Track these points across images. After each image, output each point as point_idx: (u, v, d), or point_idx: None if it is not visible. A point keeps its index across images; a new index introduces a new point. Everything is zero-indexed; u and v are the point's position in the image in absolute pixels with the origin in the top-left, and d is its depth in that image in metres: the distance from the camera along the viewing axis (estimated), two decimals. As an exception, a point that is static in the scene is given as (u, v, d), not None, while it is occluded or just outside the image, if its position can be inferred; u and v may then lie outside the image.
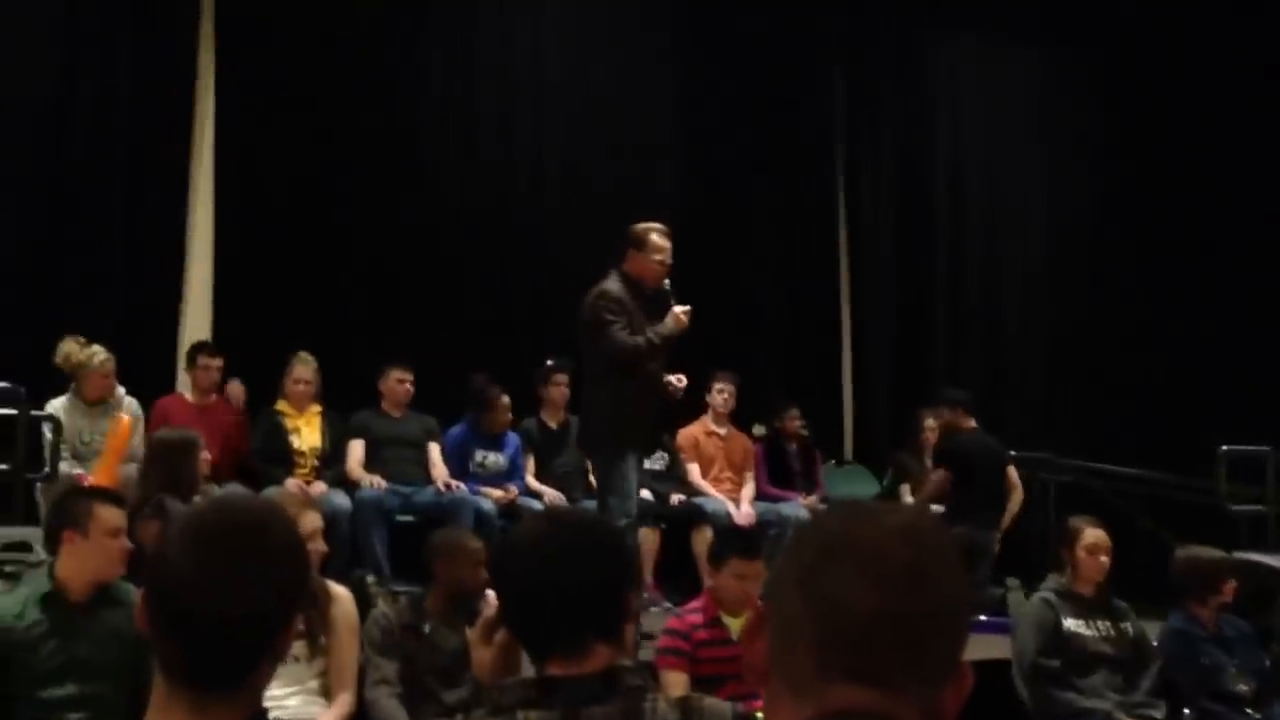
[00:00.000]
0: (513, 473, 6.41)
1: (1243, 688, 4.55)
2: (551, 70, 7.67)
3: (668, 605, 5.78)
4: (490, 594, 1.91)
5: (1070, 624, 4.47)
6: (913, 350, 8.28)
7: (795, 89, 8.21)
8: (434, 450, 6.32)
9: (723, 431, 6.95)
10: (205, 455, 5.27)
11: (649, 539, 6.16)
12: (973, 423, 6.70)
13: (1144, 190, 8.38)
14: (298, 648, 3.55)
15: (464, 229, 7.34)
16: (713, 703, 1.74)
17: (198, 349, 6.26)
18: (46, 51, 6.68)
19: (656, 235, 4.91)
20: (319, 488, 5.88)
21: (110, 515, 3.29)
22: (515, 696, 1.66)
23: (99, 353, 5.68)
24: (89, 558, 3.27)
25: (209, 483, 5.28)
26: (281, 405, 6.22)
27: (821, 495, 7.06)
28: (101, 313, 6.46)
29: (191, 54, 6.92)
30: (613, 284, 4.84)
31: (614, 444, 4.80)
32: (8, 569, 4.43)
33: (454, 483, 6.11)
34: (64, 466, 5.46)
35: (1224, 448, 6.51)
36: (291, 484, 5.86)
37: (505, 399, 6.41)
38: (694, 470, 6.79)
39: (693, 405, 6.67)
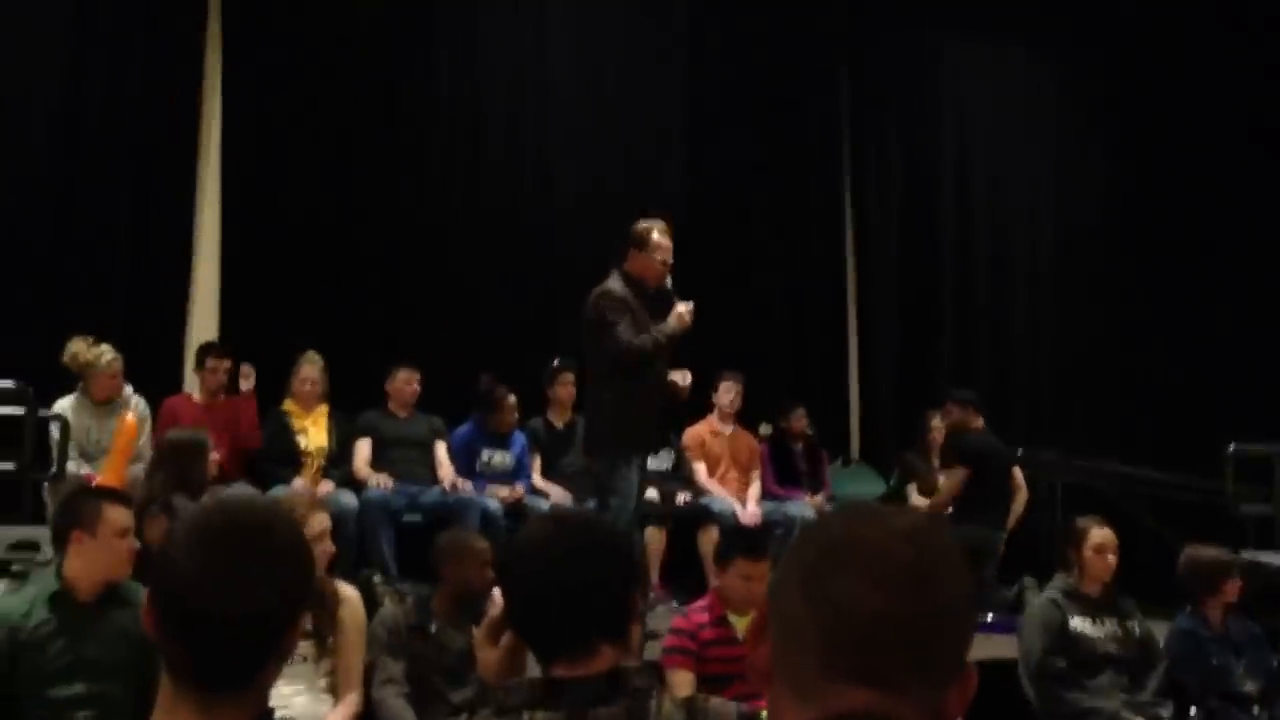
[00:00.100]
0: (519, 472, 6.42)
1: (1250, 688, 4.55)
2: (557, 70, 7.67)
3: (674, 605, 5.78)
4: (496, 594, 1.91)
5: (1077, 624, 4.46)
6: (919, 350, 8.27)
7: (802, 89, 8.20)
8: (440, 450, 6.33)
9: (729, 431, 6.95)
10: (214, 456, 5.29)
11: (655, 538, 6.17)
12: (980, 422, 6.70)
13: (1151, 190, 8.36)
14: (305, 647, 3.57)
15: (470, 229, 7.33)
16: (718, 703, 1.74)
17: (206, 350, 6.27)
18: (54, 52, 6.70)
19: (658, 234, 4.91)
20: (326, 487, 5.89)
21: (118, 515, 3.31)
22: (521, 697, 1.66)
23: (106, 352, 5.70)
24: (97, 558, 3.28)
25: (216, 483, 5.30)
26: (288, 405, 6.23)
27: (828, 495, 7.06)
28: (109, 313, 6.48)
29: (199, 55, 6.94)
30: (615, 284, 4.83)
31: (617, 446, 4.79)
32: (15, 568, 4.46)
33: (460, 482, 6.12)
34: (71, 466, 5.48)
35: (1232, 447, 6.50)
36: (299, 484, 5.87)
37: (512, 399, 6.41)
38: (700, 470, 6.80)
39: (699, 405, 6.67)
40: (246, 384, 6.12)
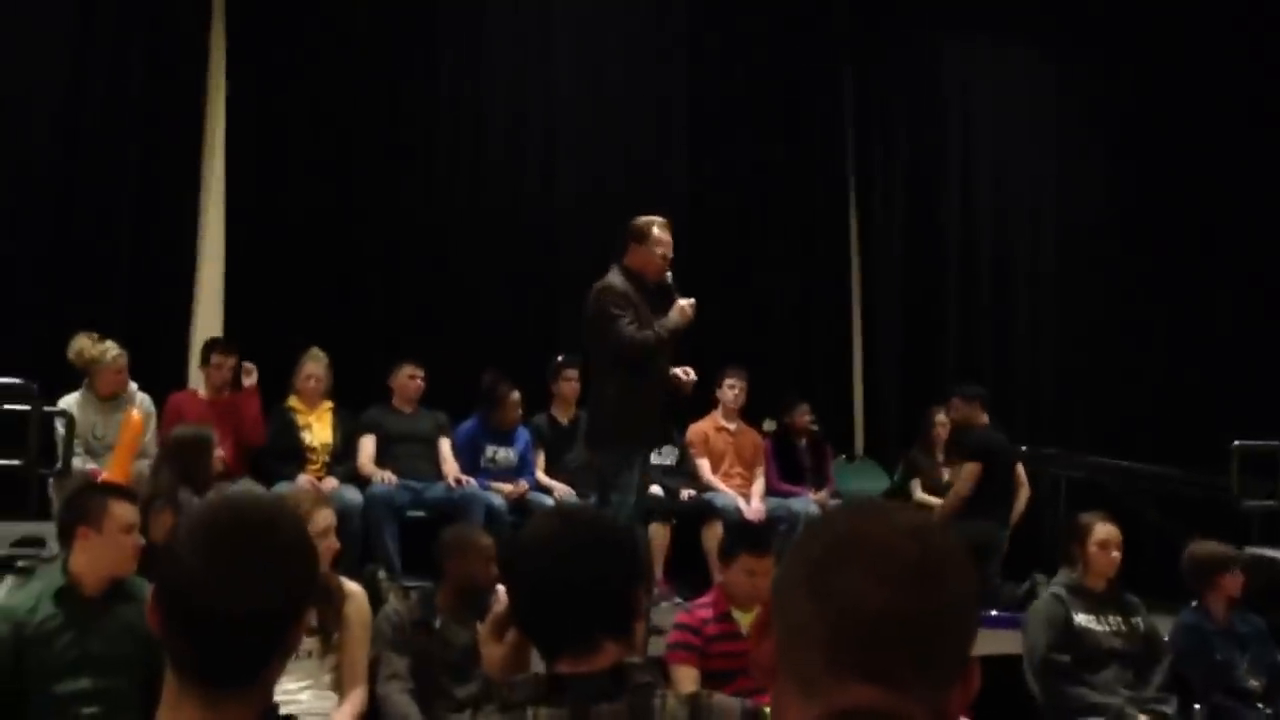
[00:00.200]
0: (523, 468, 6.42)
1: (1254, 683, 4.54)
2: (559, 70, 7.66)
3: (678, 600, 5.79)
4: (501, 590, 1.91)
5: (1081, 619, 4.46)
6: (923, 346, 8.27)
7: (806, 89, 8.19)
8: (445, 446, 6.33)
9: (733, 427, 6.95)
10: (219, 453, 5.30)
11: (659, 534, 6.18)
12: (986, 417, 6.73)
13: (1153, 188, 8.35)
14: (311, 643, 3.57)
15: (472, 229, 7.34)
16: (721, 699, 1.75)
17: (211, 346, 6.28)
18: (59, 51, 6.71)
19: (658, 228, 4.90)
20: (330, 483, 5.90)
21: (124, 511, 3.31)
22: (525, 693, 1.66)
23: (111, 348, 5.71)
24: (102, 554, 3.28)
25: (221, 479, 5.31)
26: (293, 401, 6.24)
27: (831, 491, 7.06)
28: (114, 309, 6.50)
29: (203, 54, 6.95)
30: (616, 278, 4.82)
31: (618, 441, 4.78)
32: (20, 564, 4.47)
33: (465, 478, 6.12)
34: (77, 462, 5.50)
35: (1236, 443, 6.49)
36: (304, 480, 5.88)
37: (515, 395, 6.42)
38: (704, 466, 6.80)
39: (703, 401, 6.68)
40: (249, 381, 6.13)
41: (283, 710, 1.42)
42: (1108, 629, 4.48)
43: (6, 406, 5.33)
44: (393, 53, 7.26)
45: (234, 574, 1.31)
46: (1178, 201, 8.27)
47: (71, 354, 5.70)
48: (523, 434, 6.51)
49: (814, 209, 8.18)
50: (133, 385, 5.85)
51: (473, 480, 6.13)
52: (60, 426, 5.52)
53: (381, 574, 5.52)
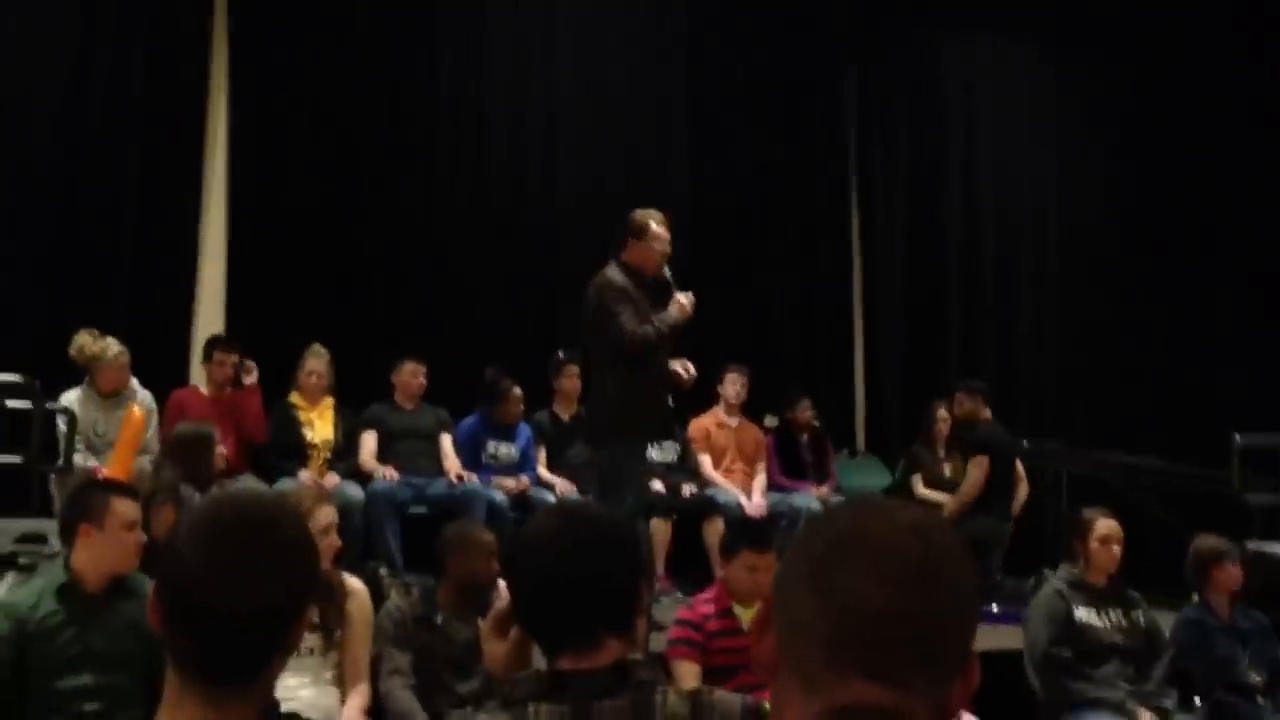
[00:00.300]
0: (524, 464, 6.43)
1: (1255, 678, 4.55)
2: (562, 69, 7.66)
3: (679, 596, 5.79)
4: (503, 587, 1.91)
5: (1082, 614, 4.46)
6: (924, 342, 8.28)
7: (808, 88, 8.20)
8: (446, 442, 6.33)
9: (734, 422, 6.95)
10: (221, 450, 5.31)
11: (661, 530, 6.18)
12: (989, 412, 6.74)
13: (1155, 187, 8.35)
14: (313, 640, 3.58)
15: (473, 229, 7.35)
16: (722, 695, 1.75)
17: (213, 343, 6.28)
18: (61, 48, 6.72)
19: (655, 223, 4.90)
20: (332, 480, 5.90)
21: (126, 509, 3.31)
22: (526, 689, 1.67)
23: (113, 345, 5.72)
24: (104, 551, 3.29)
25: (223, 476, 5.32)
26: (294, 398, 6.25)
27: (833, 486, 7.06)
28: (116, 307, 6.51)
29: (205, 52, 6.96)
30: (615, 273, 4.82)
31: (619, 437, 4.78)
32: (22, 561, 4.48)
33: (466, 474, 6.13)
34: (78, 459, 5.50)
35: (1238, 438, 6.49)
36: (306, 477, 5.88)
37: (517, 390, 6.42)
38: (706, 461, 6.80)
39: (704, 397, 6.68)
40: (249, 379, 6.13)
41: (284, 707, 1.42)
42: (1109, 624, 4.49)
43: (8, 403, 5.34)
44: (393, 52, 7.27)
45: (235, 571, 1.31)
46: (1178, 201, 8.28)
47: (73, 351, 5.70)
48: (524, 430, 6.52)
49: (815, 209, 8.18)
50: (134, 382, 5.86)
51: (474, 476, 6.14)
52: (62, 423, 5.52)
53: (383, 570, 5.53)
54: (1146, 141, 8.37)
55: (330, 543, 3.57)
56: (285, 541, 1.36)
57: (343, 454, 6.17)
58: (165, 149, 6.87)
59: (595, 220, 7.11)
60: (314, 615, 3.47)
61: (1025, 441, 7.02)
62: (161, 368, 6.38)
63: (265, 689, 1.35)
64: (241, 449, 6.05)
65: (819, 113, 8.24)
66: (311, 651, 3.59)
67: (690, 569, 6.27)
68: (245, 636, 1.31)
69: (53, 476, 5.46)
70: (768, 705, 1.03)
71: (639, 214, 4.94)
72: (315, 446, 6.13)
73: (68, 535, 3.35)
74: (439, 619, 3.93)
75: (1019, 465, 6.83)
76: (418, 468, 6.16)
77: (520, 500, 6.12)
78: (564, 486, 6.34)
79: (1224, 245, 8.28)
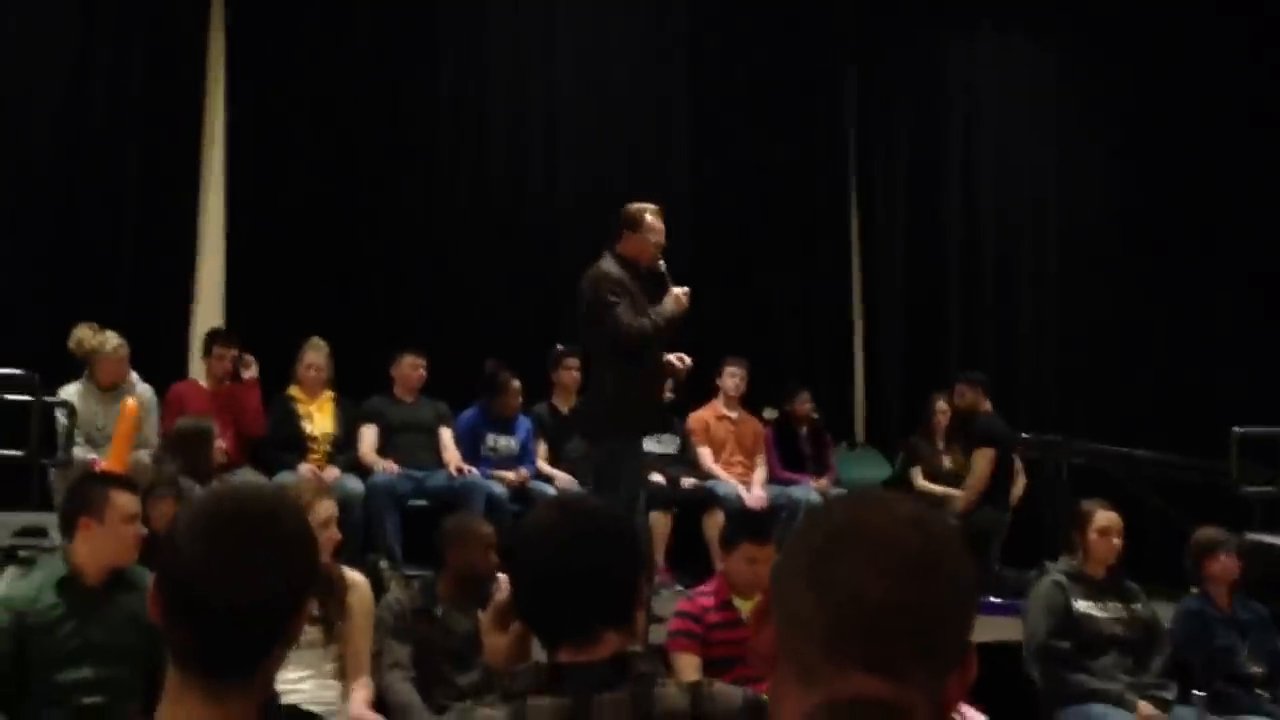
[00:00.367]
0: (524, 457, 6.43)
1: (1255, 669, 4.56)
2: (562, 69, 7.65)
3: (679, 589, 5.79)
4: (503, 578, 1.92)
5: (1081, 606, 4.47)
6: (925, 340, 8.28)
7: (808, 86, 8.19)
8: (446, 435, 6.34)
9: (734, 415, 6.95)
10: (220, 444, 5.31)
11: (661, 523, 6.18)
12: (989, 404, 6.75)
13: (1157, 184, 8.32)
14: (314, 634, 3.58)
15: (474, 229, 7.34)
16: (722, 688, 1.75)
17: (213, 337, 6.28)
18: (60, 48, 6.73)
19: (650, 215, 4.89)
20: (332, 473, 5.90)
21: (126, 502, 3.32)
22: (526, 683, 1.67)
23: (112, 338, 5.71)
24: (104, 544, 3.29)
25: (223, 470, 5.32)
26: (294, 391, 6.25)
27: (833, 479, 7.07)
28: (115, 301, 6.51)
29: (204, 51, 6.96)
30: (610, 265, 4.80)
31: (614, 432, 4.77)
32: (22, 554, 4.48)
33: (466, 467, 6.13)
34: (78, 452, 5.50)
35: (1236, 430, 6.50)
36: (305, 469, 5.88)
37: (516, 383, 6.42)
38: (705, 454, 6.80)
39: (703, 389, 6.68)
40: (248, 374, 6.13)
41: (285, 700, 1.42)
42: (1108, 615, 4.49)
43: (8, 397, 5.35)
44: (394, 51, 7.26)
45: (235, 565, 1.31)
46: (1178, 200, 8.27)
47: (72, 344, 5.70)
48: (524, 422, 6.52)
49: (815, 208, 8.18)
50: (133, 375, 5.86)
51: (474, 469, 6.14)
52: (62, 417, 5.52)
53: (383, 563, 5.53)
54: (1147, 141, 8.35)
55: (330, 536, 3.57)
56: (284, 535, 1.36)
57: (342, 447, 6.17)
58: (164, 148, 6.88)
59: (595, 220, 7.07)
60: (314, 608, 3.47)
61: (1025, 434, 7.02)
62: (161, 364, 6.38)
63: (265, 682, 1.35)
64: (241, 442, 6.05)
65: (819, 112, 8.24)
66: (312, 645, 3.59)
67: (690, 562, 6.28)
68: (245, 630, 1.31)
69: (52, 470, 5.46)
70: (767, 698, 1.03)
71: (633, 206, 4.94)
72: (314, 439, 6.13)
73: (67, 528, 3.35)
74: (439, 611, 3.93)
75: (1016, 458, 6.85)
76: (417, 460, 6.16)
77: (520, 493, 6.13)
78: (564, 479, 6.34)
79: (1224, 245, 8.27)
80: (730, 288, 7.47)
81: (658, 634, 4.37)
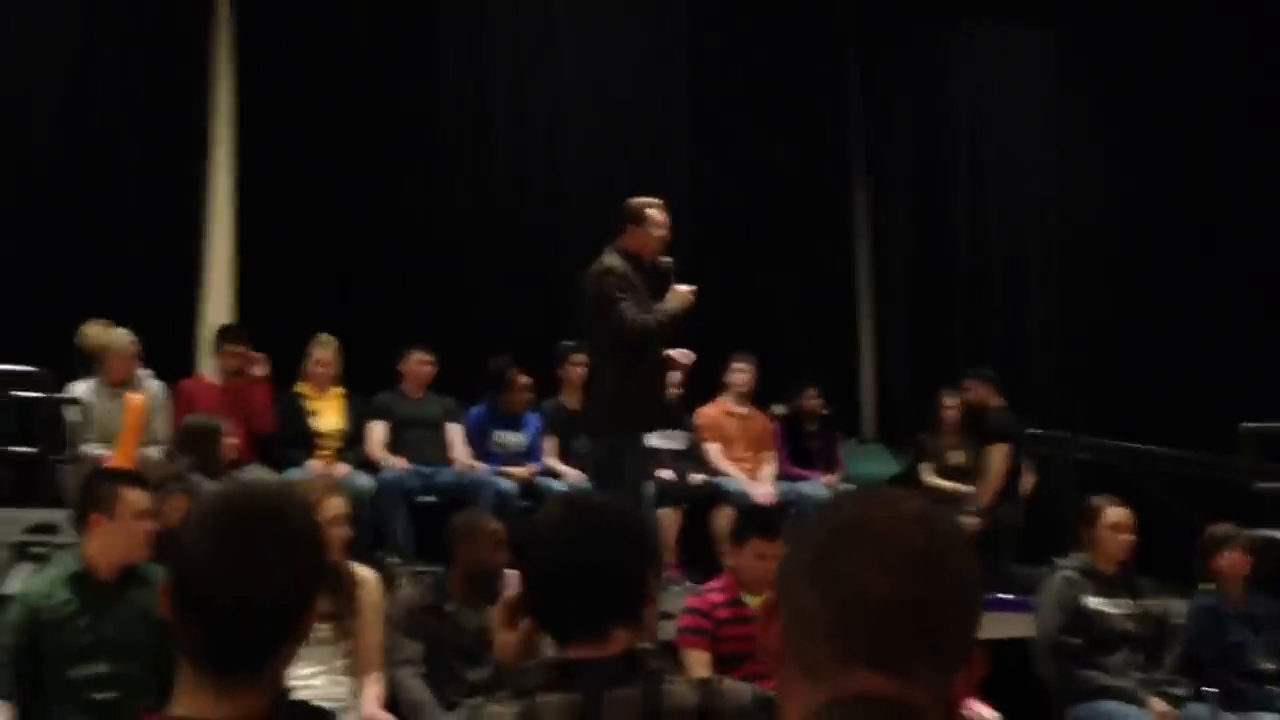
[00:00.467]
0: (532, 452, 6.43)
1: (1267, 665, 4.54)
2: (563, 69, 7.64)
3: (688, 585, 5.79)
4: (512, 574, 1.92)
5: (1093, 602, 4.46)
6: (932, 330, 8.27)
7: (811, 81, 8.17)
8: (454, 431, 6.34)
9: (742, 411, 6.94)
10: (231, 440, 5.32)
11: (670, 519, 6.18)
12: (998, 400, 6.74)
13: (1162, 181, 8.30)
14: (324, 630, 3.59)
15: (478, 227, 7.34)
16: (732, 684, 1.75)
17: (223, 333, 6.29)
18: (62, 48, 6.73)
19: (653, 210, 4.88)
20: (342, 469, 5.91)
21: (137, 498, 3.33)
22: (536, 679, 1.67)
23: (122, 335, 5.72)
24: (116, 540, 3.31)
25: (233, 466, 5.33)
26: (302, 387, 6.25)
27: (841, 475, 7.06)
28: (124, 298, 6.50)
29: (206, 51, 6.96)
30: (615, 260, 4.77)
31: (617, 427, 4.75)
32: (35, 550, 4.50)
33: (474, 463, 6.13)
34: (89, 449, 5.52)
35: (1246, 425, 6.47)
36: (314, 466, 5.89)
37: (523, 379, 6.42)
38: (714, 450, 6.79)
39: (712, 385, 6.67)
40: (259, 371, 6.14)
41: (295, 695, 1.43)
42: (1119, 611, 4.48)
43: (20, 394, 5.36)
44: (395, 52, 7.25)
45: (244, 562, 1.31)
46: (1179, 200, 8.25)
47: (81, 341, 5.71)
48: (532, 419, 6.52)
49: (816, 208, 8.17)
50: (143, 371, 5.86)
51: (483, 465, 6.14)
52: (72, 414, 5.54)
53: (393, 559, 5.54)
54: (1147, 140, 8.33)
55: (339, 533, 3.58)
56: (293, 532, 1.36)
57: (351, 443, 6.18)
58: (167, 148, 6.88)
59: (597, 219, 7.07)
60: (325, 604, 3.48)
61: (1033, 430, 7.01)
62: (170, 361, 6.39)
63: (276, 678, 1.36)
64: (249, 439, 6.06)
65: (822, 112, 8.22)
66: (323, 641, 3.60)
67: (699, 558, 6.27)
68: (254, 626, 1.31)
69: (64, 467, 5.48)
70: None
71: (636, 200, 4.93)
72: (323, 436, 6.13)
73: (80, 525, 3.37)
74: (449, 607, 3.94)
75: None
76: (426, 457, 6.16)
77: (529, 489, 6.13)
78: (573, 476, 6.34)
79: (1224, 244, 8.24)
80: (731, 287, 7.46)
81: (666, 630, 4.37)
